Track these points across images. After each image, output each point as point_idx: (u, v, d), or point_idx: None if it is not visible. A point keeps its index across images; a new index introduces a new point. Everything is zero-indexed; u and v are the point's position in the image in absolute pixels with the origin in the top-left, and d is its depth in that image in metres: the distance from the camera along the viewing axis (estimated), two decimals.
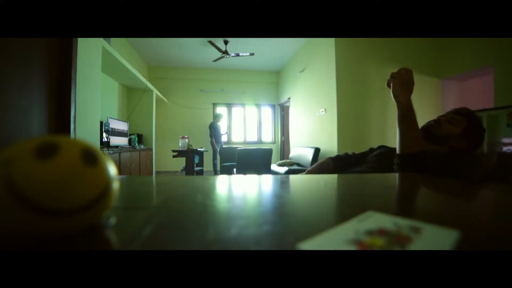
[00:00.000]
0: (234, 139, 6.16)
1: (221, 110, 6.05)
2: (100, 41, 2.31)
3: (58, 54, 1.61)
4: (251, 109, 6.29)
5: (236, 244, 0.18)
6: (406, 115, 0.76)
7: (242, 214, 0.26)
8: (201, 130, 5.65)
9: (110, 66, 3.17)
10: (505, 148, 2.60)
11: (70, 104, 1.64)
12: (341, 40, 3.34)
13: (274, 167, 4.01)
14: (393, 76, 0.78)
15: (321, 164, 1.11)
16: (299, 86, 4.75)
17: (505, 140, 2.60)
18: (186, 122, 5.83)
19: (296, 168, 3.72)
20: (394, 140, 0.80)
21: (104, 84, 3.46)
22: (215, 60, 4.89)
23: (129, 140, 3.82)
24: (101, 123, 2.76)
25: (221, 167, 4.52)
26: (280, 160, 5.54)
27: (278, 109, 6.24)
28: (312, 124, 4.12)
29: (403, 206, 0.34)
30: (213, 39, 4.28)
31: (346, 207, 0.33)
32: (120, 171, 2.86)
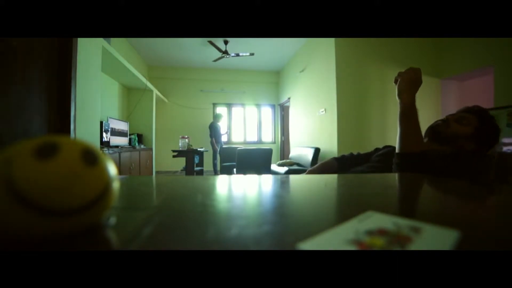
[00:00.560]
0: (234, 139, 6.16)
1: (221, 110, 6.05)
2: (100, 41, 2.31)
3: (58, 54, 1.61)
4: (251, 109, 6.29)
5: (236, 244, 0.18)
6: (408, 114, 0.75)
7: (242, 214, 0.26)
8: (201, 130, 5.65)
9: (110, 66, 3.17)
10: (505, 148, 2.60)
11: (70, 104, 1.64)
12: (341, 40, 3.34)
13: (274, 167, 4.01)
14: (400, 74, 0.77)
15: (324, 164, 1.10)
16: (299, 86, 4.75)
17: (505, 140, 2.60)
18: (186, 122, 5.83)
19: (296, 168, 3.72)
20: (394, 140, 0.80)
21: (104, 84, 3.46)
22: (215, 60, 4.89)
23: (129, 140, 3.82)
24: (101, 123, 2.76)
25: (221, 167, 4.52)
26: (280, 160, 5.54)
27: (278, 109, 6.24)
28: (312, 124, 4.12)
29: (403, 206, 0.34)
30: (213, 39, 4.27)
31: (346, 207, 0.33)
32: (120, 171, 2.86)
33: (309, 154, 3.66)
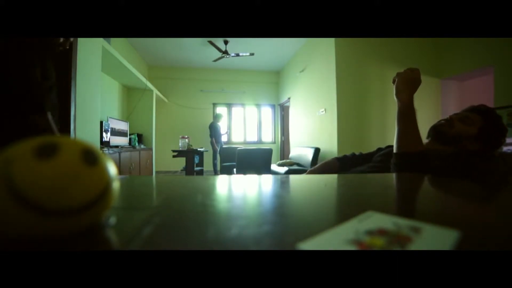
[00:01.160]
0: (234, 139, 6.16)
1: (221, 110, 6.05)
2: (100, 41, 2.31)
3: (58, 54, 1.60)
4: (251, 109, 6.29)
5: (236, 244, 0.18)
6: (406, 114, 0.75)
7: (242, 214, 0.26)
8: (201, 130, 5.65)
9: (110, 66, 3.17)
10: (505, 148, 2.60)
11: (70, 104, 1.64)
12: (341, 40, 3.34)
13: (274, 167, 4.01)
14: (399, 74, 0.77)
15: (325, 164, 1.09)
16: (299, 86, 4.75)
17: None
18: (186, 122, 5.83)
19: (296, 168, 3.72)
20: (393, 141, 0.80)
21: (104, 84, 3.46)
22: (215, 60, 4.89)
23: (129, 140, 3.82)
24: (101, 123, 2.76)
25: (221, 167, 4.52)
26: (280, 160, 5.54)
27: (278, 109, 6.24)
28: (312, 124, 4.12)
29: (403, 206, 0.34)
30: (213, 39, 4.27)
31: (346, 207, 0.33)
32: (120, 171, 2.86)
33: (309, 154, 3.66)
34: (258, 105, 6.29)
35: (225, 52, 4.43)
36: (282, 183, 0.49)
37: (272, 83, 6.27)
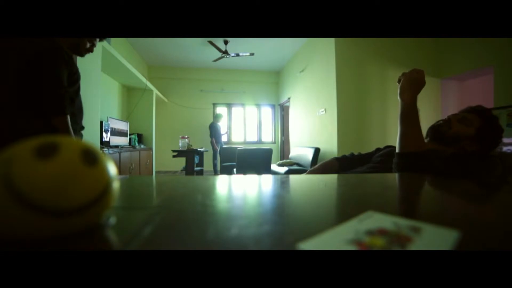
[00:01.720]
0: (234, 139, 6.16)
1: (221, 110, 6.05)
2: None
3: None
4: (251, 109, 6.28)
5: (236, 244, 0.18)
6: (408, 114, 0.75)
7: (242, 214, 0.26)
8: (201, 130, 5.65)
9: (110, 66, 3.17)
10: (505, 148, 2.60)
11: None
12: (341, 40, 3.34)
13: (274, 167, 4.01)
14: (405, 73, 0.78)
15: (325, 164, 1.10)
16: (299, 86, 4.75)
17: (505, 140, 2.59)
18: (186, 122, 5.83)
19: (296, 168, 3.72)
20: (394, 140, 0.80)
21: (104, 84, 3.46)
22: (215, 60, 4.89)
23: (129, 140, 3.82)
24: (101, 123, 2.76)
25: (221, 167, 4.52)
26: (280, 160, 5.54)
27: (278, 109, 6.24)
28: (312, 124, 4.12)
29: (403, 206, 0.34)
30: (213, 39, 4.27)
31: (346, 207, 0.33)
32: (120, 171, 2.86)
33: (309, 154, 3.66)
34: (258, 105, 6.29)
35: (225, 52, 4.43)
36: (282, 183, 0.49)
37: (272, 83, 6.27)
